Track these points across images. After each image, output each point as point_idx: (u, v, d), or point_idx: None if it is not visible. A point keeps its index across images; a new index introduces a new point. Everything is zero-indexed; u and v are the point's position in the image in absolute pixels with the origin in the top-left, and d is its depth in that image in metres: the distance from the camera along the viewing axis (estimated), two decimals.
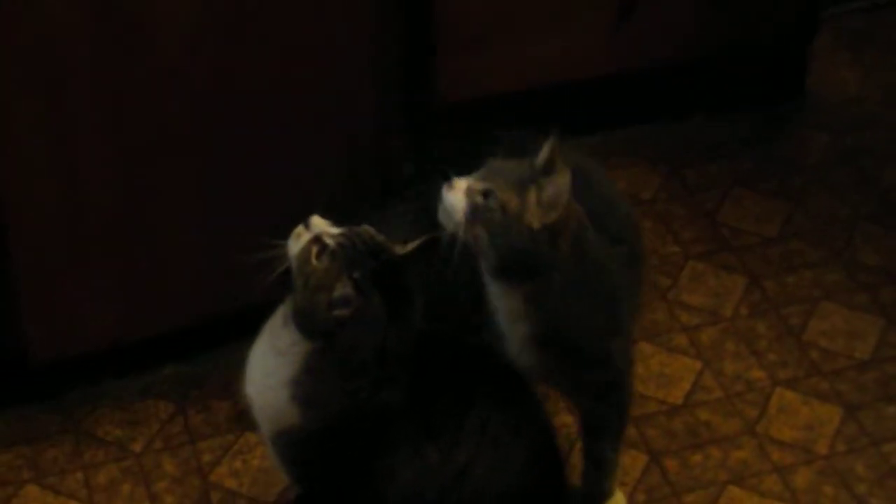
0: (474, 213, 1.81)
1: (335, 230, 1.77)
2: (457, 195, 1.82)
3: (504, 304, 1.89)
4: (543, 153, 1.84)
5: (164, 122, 2.07)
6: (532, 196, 1.82)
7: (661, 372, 2.33)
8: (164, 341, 2.27)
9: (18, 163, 2.04)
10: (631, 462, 2.19)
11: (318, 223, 1.78)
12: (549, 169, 1.84)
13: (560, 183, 1.82)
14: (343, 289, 1.72)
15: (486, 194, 1.82)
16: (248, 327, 1.88)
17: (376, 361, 1.76)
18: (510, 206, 1.81)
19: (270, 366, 1.81)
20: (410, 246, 1.79)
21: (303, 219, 1.79)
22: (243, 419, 2.12)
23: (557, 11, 2.50)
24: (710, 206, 2.61)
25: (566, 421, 2.24)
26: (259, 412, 1.85)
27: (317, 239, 1.76)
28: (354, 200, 2.11)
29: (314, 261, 1.75)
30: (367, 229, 1.78)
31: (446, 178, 1.83)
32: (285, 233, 1.79)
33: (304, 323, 1.76)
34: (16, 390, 2.23)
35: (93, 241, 2.14)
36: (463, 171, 1.85)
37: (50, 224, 2.10)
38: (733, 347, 2.37)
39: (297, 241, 1.78)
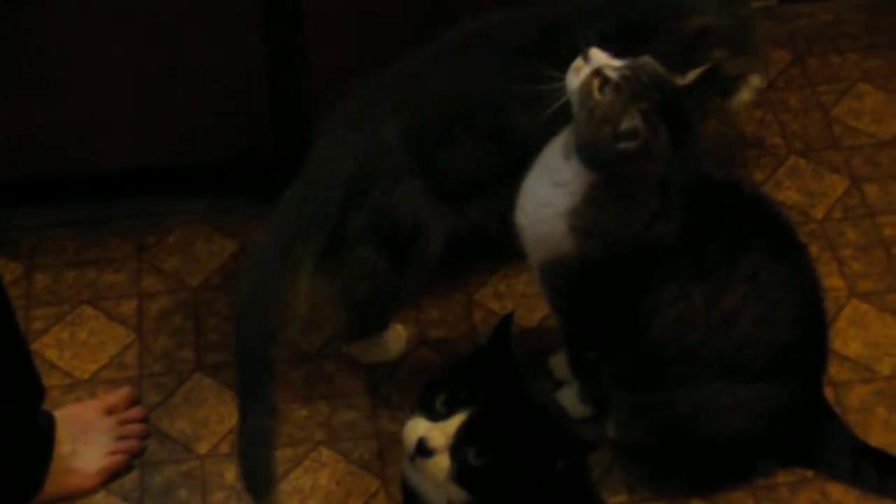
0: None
1: (616, 62, 1.73)
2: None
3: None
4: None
5: None
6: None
7: None
8: None
9: None
10: None
11: (598, 56, 1.73)
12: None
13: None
14: (630, 121, 1.69)
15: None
16: None
17: (658, 193, 1.74)
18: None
19: (547, 197, 1.79)
20: (691, 75, 1.74)
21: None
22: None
23: None
24: None
25: (835, 284, 2.19)
26: (531, 241, 1.85)
27: (598, 72, 1.72)
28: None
29: (597, 94, 1.71)
30: (648, 61, 1.73)
31: None
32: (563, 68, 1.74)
33: (589, 155, 1.73)
34: None
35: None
36: None
37: (342, 42, 2.15)
38: None
39: (577, 75, 1.74)
